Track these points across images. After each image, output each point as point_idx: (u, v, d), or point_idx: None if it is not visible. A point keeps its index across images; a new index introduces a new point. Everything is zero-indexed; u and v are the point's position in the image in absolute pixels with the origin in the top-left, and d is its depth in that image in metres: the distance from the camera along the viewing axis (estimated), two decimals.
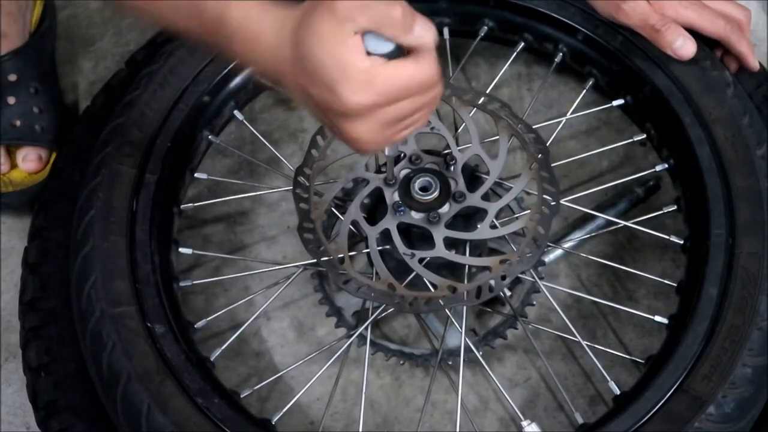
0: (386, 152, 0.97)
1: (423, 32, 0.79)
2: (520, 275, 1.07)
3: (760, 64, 1.16)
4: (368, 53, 0.78)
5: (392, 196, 1.05)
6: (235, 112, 1.22)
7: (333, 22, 0.77)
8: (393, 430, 1.16)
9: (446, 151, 1.09)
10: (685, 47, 1.11)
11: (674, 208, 1.13)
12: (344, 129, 0.82)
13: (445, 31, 1.25)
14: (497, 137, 1.11)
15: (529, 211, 1.06)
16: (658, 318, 1.06)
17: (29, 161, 1.28)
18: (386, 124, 0.81)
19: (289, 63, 0.81)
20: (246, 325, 1.10)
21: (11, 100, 1.27)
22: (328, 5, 0.77)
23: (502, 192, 1.13)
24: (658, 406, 0.96)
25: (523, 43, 1.24)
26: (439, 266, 1.05)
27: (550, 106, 1.36)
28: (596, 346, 1.10)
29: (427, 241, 1.03)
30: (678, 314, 1.04)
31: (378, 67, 0.78)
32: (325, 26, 0.77)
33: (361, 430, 1.04)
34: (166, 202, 1.12)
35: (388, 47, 0.79)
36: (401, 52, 0.79)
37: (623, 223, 1.14)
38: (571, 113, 1.19)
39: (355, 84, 0.77)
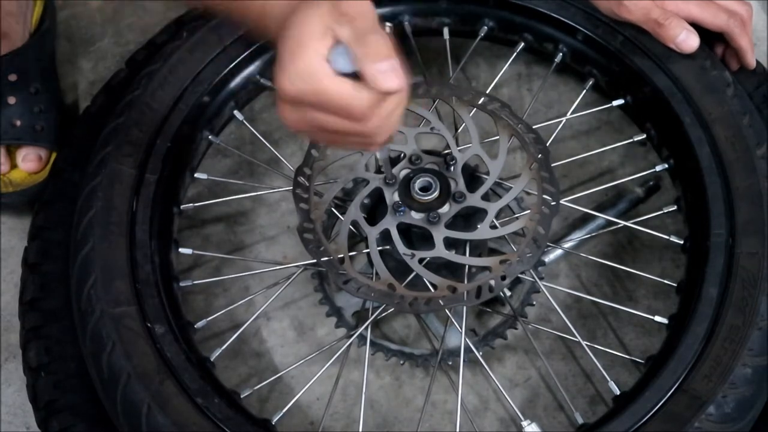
0: (378, 155, 0.97)
1: (386, 74, 0.78)
2: (520, 275, 1.07)
3: (760, 63, 1.16)
4: (327, 61, 0.78)
5: (392, 196, 1.05)
6: (235, 112, 1.22)
7: (318, 20, 0.78)
8: (393, 430, 1.16)
9: (446, 151, 1.09)
10: (688, 41, 1.11)
11: (674, 208, 1.13)
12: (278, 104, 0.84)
13: (445, 31, 1.25)
14: (497, 137, 1.11)
15: (529, 211, 1.06)
16: (658, 318, 1.06)
17: (29, 161, 1.28)
18: (311, 124, 0.83)
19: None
20: (246, 325, 1.10)
21: (11, 100, 1.27)
22: (335, 4, 0.77)
23: (502, 192, 1.13)
24: (658, 406, 0.96)
25: (523, 43, 1.24)
26: (439, 266, 1.05)
27: (550, 106, 1.36)
28: (596, 346, 1.10)
29: (427, 241, 1.03)
30: (678, 314, 1.04)
31: (322, 72, 0.78)
32: (315, 15, 0.78)
33: (361, 430, 1.04)
34: (166, 202, 1.12)
35: (348, 68, 0.78)
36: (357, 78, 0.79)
37: (623, 223, 1.14)
38: (571, 113, 1.19)
39: (294, 74, 0.79)
